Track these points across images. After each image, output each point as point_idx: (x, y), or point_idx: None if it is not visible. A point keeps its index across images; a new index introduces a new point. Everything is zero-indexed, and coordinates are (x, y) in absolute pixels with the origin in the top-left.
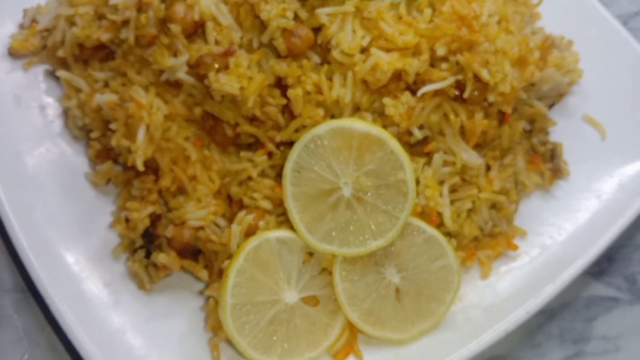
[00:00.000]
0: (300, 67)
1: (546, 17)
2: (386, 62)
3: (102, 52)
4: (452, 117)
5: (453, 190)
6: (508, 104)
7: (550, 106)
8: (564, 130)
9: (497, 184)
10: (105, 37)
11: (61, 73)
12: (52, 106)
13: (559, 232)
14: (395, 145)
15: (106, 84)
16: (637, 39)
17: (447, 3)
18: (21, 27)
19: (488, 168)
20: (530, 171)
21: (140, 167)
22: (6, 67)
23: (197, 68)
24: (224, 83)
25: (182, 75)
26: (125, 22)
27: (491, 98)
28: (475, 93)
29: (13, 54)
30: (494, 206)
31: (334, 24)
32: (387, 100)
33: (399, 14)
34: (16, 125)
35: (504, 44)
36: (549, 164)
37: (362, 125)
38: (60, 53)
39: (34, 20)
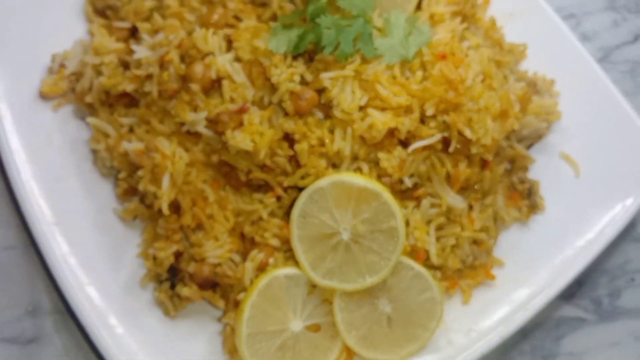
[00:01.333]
0: (306, 124)
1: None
2: (381, 122)
3: (127, 99)
4: (438, 166)
5: (439, 228)
6: (489, 153)
7: (529, 146)
8: (542, 166)
9: (478, 224)
10: (130, 87)
11: (90, 120)
12: (81, 145)
13: (534, 261)
14: (388, 196)
15: (131, 129)
16: (619, 72)
17: (437, 66)
18: (50, 71)
19: (470, 207)
20: (509, 206)
21: (166, 211)
22: (37, 109)
23: (215, 125)
24: (239, 141)
25: (202, 129)
26: (149, 77)
27: (474, 150)
28: (459, 147)
29: (44, 97)
30: (475, 242)
31: (336, 87)
32: (381, 155)
33: (394, 74)
34: (48, 163)
35: (486, 102)
36: (527, 200)
37: (360, 180)
38: (88, 99)
39: (62, 65)
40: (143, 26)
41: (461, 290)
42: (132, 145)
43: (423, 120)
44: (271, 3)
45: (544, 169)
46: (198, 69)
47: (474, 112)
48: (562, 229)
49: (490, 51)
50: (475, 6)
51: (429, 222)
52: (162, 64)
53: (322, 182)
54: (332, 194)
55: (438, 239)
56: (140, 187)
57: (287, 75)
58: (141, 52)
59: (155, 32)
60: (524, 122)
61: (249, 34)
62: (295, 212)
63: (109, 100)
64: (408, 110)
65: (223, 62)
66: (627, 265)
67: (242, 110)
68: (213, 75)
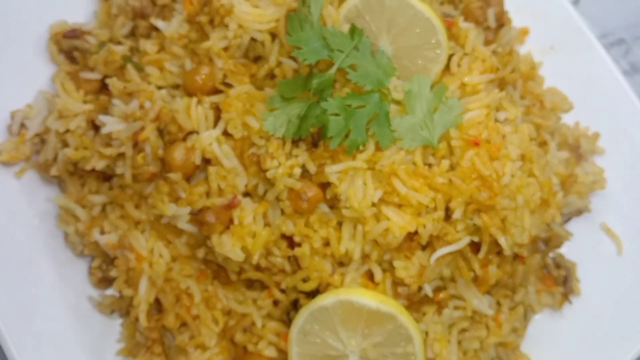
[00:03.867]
0: (308, 225)
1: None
2: (398, 226)
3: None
4: (465, 269)
5: (462, 331)
6: (524, 249)
7: (567, 221)
8: (579, 239)
9: (506, 327)
10: (100, 165)
11: (57, 200)
12: (51, 218)
13: (567, 356)
14: (405, 320)
15: (104, 208)
16: None
17: (468, 155)
18: (10, 131)
19: (498, 304)
20: (540, 292)
21: (144, 322)
22: None
23: (199, 225)
24: (228, 249)
25: (184, 225)
26: (121, 155)
27: (507, 252)
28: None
29: (4, 164)
30: (501, 343)
31: (344, 181)
32: (397, 263)
33: (414, 160)
34: (12, 244)
35: (525, 196)
36: (561, 287)
37: (372, 302)
38: (54, 171)
39: (22, 125)
40: (114, 84)
41: None
42: (105, 239)
43: (448, 215)
44: (268, 57)
45: (581, 242)
46: (178, 154)
47: (510, 211)
48: (601, 317)
49: (531, 126)
50: (517, 70)
51: (451, 326)
52: (136, 143)
53: (326, 300)
54: (338, 314)
55: (460, 342)
56: (115, 288)
57: (285, 169)
58: (111, 124)
59: (128, 95)
60: (564, 202)
61: (241, 103)
62: (294, 329)
63: (78, 171)
64: (430, 207)
65: (209, 140)
66: None
67: (231, 206)
68: (197, 160)
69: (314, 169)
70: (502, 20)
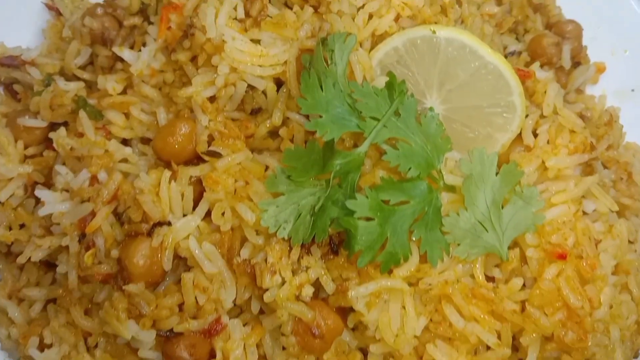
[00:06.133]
0: None
1: None
2: None
3: None
4: None
5: None
6: None
7: None
8: None
9: None
10: (37, 256)
11: None
12: None
13: None
14: None
15: (45, 307)
16: None
17: (549, 273)
18: None
19: None
20: None
21: None
22: None
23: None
24: None
25: (147, 353)
26: (65, 248)
27: None
28: None
29: None
30: None
31: (375, 307)
32: None
33: (472, 273)
34: None
35: (620, 328)
36: None
37: None
38: None
39: None
40: (60, 142)
41: None
42: (43, 357)
43: (515, 346)
44: (271, 111)
45: None
46: (141, 256)
47: (600, 348)
48: None
49: (630, 225)
50: (613, 147)
51: None
52: (84, 234)
53: None
54: None
55: None
56: None
57: (291, 289)
58: (52, 204)
59: (78, 159)
60: None
61: (232, 178)
62: None
63: (11, 255)
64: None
65: (185, 231)
66: None
67: (212, 332)
68: (167, 265)
69: (332, 287)
70: (578, 58)
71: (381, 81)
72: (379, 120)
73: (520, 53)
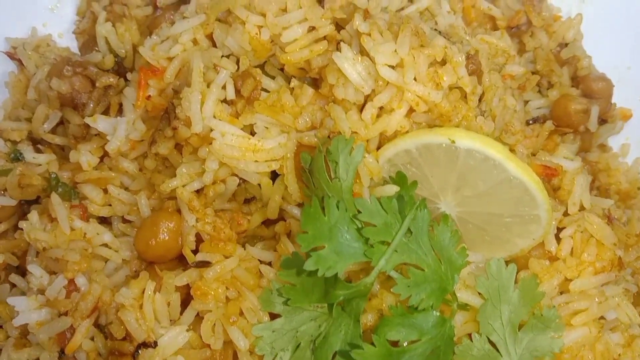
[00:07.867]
0: None
1: None
2: None
3: None
4: None
5: None
6: None
7: None
8: None
9: None
10: None
11: None
12: None
13: None
14: None
15: None
16: None
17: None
18: None
19: None
20: None
21: None
22: None
23: None
24: None
25: None
26: None
27: None
28: None
29: None
30: None
31: None
32: None
33: None
34: None
35: None
36: None
37: None
38: None
39: None
40: (32, 237)
41: None
42: None
43: None
44: (266, 203)
45: None
46: None
47: None
48: None
49: None
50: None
51: None
52: (63, 352)
53: None
54: None
55: None
56: None
57: None
58: (25, 313)
59: (54, 261)
60: None
61: (223, 286)
62: None
63: None
64: None
65: (173, 348)
66: None
67: None
68: None
69: None
70: (606, 117)
71: (391, 190)
72: (387, 245)
73: (544, 121)
